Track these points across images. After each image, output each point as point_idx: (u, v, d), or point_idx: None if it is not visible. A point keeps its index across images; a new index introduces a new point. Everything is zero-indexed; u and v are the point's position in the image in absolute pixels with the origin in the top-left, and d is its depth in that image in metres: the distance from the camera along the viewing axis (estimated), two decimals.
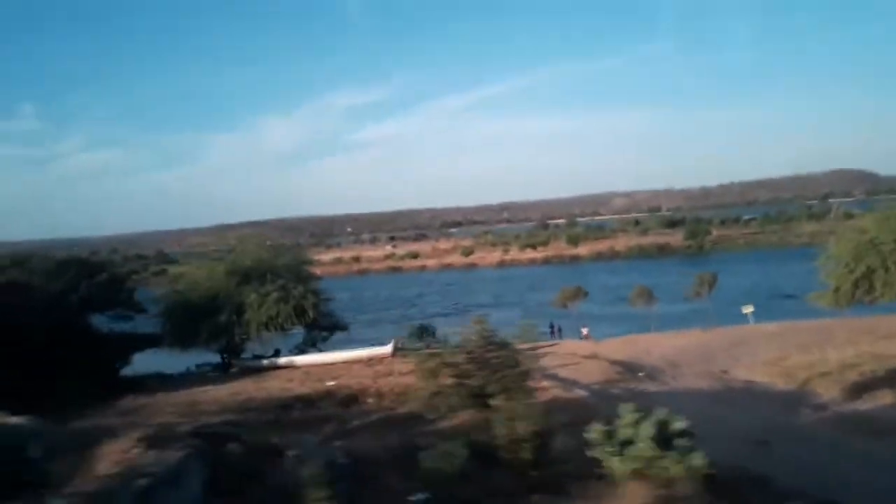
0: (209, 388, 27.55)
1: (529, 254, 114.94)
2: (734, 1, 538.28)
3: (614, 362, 25.75)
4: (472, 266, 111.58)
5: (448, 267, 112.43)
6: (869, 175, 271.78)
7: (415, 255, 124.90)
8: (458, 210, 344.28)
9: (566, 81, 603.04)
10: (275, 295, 30.57)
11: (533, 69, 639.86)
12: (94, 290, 32.25)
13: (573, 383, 21.48)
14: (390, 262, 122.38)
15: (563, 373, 23.63)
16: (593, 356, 28.05)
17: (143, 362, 33.60)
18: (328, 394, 21.89)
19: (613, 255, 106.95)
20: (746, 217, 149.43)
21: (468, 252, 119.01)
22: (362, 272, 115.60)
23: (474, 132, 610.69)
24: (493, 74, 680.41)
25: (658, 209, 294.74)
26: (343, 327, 34.33)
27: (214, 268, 32.79)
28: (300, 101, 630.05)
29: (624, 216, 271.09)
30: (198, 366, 34.34)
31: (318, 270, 41.55)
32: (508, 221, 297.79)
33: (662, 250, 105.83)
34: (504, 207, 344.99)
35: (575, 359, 27.04)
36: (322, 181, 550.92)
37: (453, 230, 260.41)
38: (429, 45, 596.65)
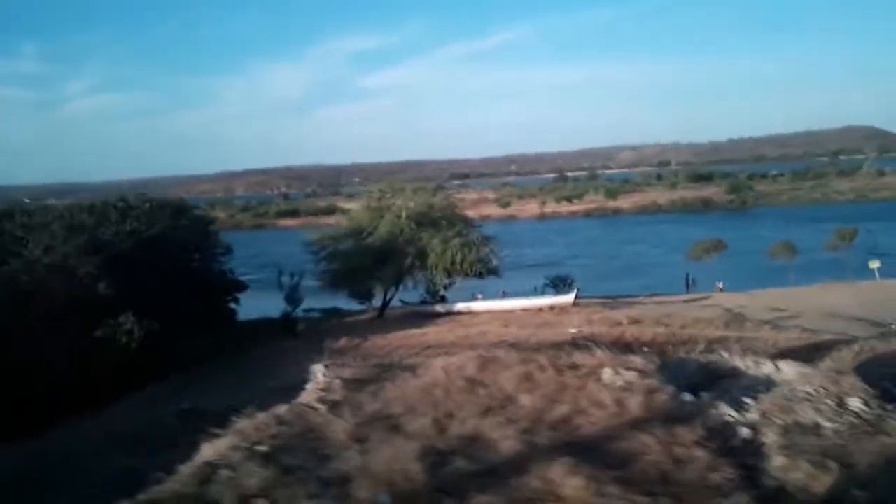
0: (413, 331, 27.57)
1: (568, 206, 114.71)
2: None
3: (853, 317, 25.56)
4: (512, 218, 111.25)
5: (487, 218, 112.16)
6: (879, 132, 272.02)
7: None
8: (463, 162, 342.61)
9: (573, 31, 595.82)
10: (457, 241, 30.55)
11: (538, 18, 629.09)
12: (187, 233, 31.51)
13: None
14: None
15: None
16: (787, 310, 28.02)
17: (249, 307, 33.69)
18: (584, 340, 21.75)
19: (656, 209, 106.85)
20: (774, 173, 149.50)
21: (505, 203, 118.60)
22: None
23: (477, 83, 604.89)
24: (498, 22, 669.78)
25: (667, 163, 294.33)
26: (497, 273, 34.16)
27: (391, 211, 32.48)
28: (307, 46, 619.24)
29: (632, 169, 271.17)
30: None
31: None
32: (517, 174, 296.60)
33: (706, 205, 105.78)
34: (510, 160, 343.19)
35: (775, 312, 27.12)
36: (328, 130, 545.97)
37: (460, 182, 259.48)
38: None
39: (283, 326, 31.34)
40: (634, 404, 5.85)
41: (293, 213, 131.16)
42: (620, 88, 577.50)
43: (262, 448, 5.07)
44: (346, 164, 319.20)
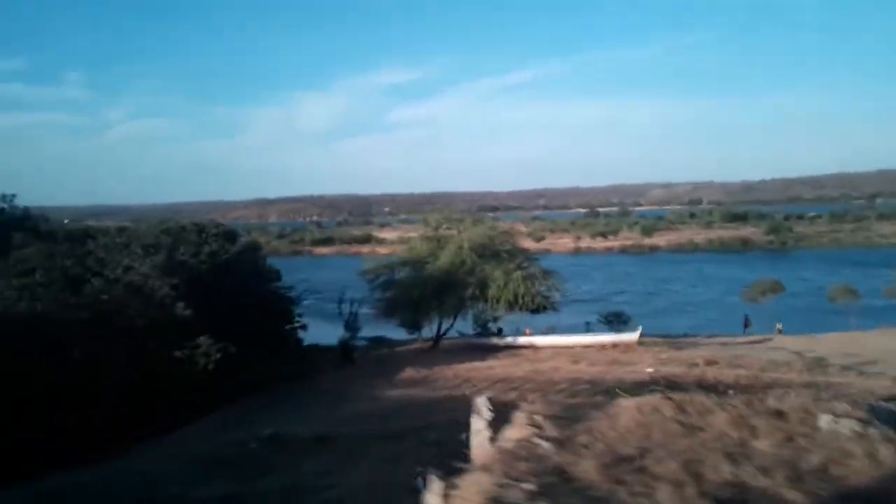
0: (476, 364, 27.43)
1: (602, 242, 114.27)
2: None
3: None
4: (546, 251, 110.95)
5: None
6: None
7: None
8: (492, 195, 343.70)
9: (603, 69, 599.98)
10: (520, 273, 30.50)
11: (569, 56, 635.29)
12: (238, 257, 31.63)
13: None
14: None
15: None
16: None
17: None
18: (667, 381, 21.43)
19: (693, 248, 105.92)
20: (811, 214, 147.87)
21: (539, 237, 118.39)
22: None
23: (508, 117, 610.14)
24: (529, 59, 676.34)
25: (699, 202, 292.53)
26: (555, 308, 33.96)
27: (453, 241, 32.58)
28: (339, 78, 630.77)
29: (664, 207, 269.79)
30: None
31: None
32: (545, 208, 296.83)
33: (745, 245, 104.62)
34: (538, 194, 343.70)
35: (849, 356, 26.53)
36: (358, 160, 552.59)
37: (491, 214, 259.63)
38: (466, 28, 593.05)
39: (342, 354, 31.39)
40: (886, 454, 5.69)
41: (328, 241, 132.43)
42: (652, 125, 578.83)
43: (529, 486, 5.00)
44: (375, 194, 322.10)
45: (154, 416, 21.41)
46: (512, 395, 21.07)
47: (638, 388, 20.93)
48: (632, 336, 29.61)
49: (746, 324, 37.58)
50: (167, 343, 22.29)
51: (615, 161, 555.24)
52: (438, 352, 32.67)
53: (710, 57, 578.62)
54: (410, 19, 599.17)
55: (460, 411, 19.86)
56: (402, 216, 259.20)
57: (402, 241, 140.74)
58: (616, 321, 36.45)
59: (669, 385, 21.09)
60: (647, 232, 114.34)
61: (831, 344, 32.08)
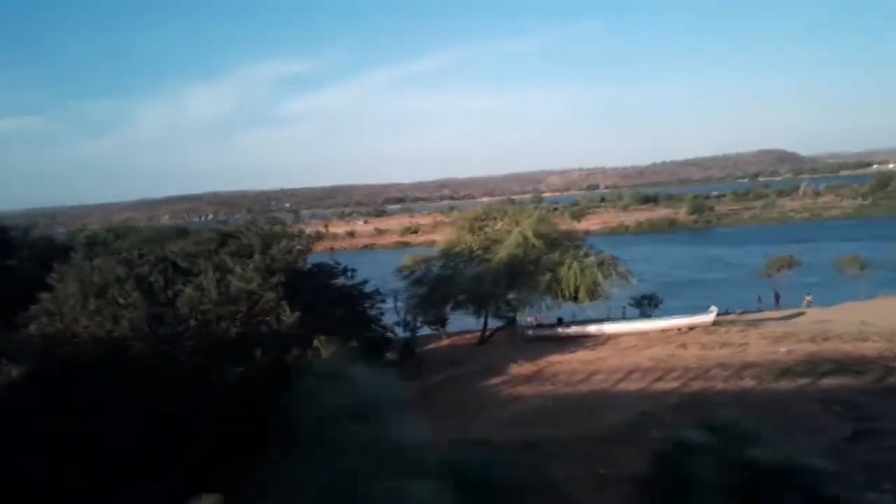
0: (566, 356, 26.48)
1: None
2: None
3: None
4: None
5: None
6: (791, 155, 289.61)
7: (415, 231, 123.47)
8: (394, 186, 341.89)
9: (497, 59, 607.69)
10: (592, 259, 29.74)
11: (461, 46, 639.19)
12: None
13: None
14: (398, 238, 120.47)
15: None
16: None
17: None
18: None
19: (624, 230, 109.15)
20: (715, 193, 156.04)
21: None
22: (370, 247, 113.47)
23: (404, 108, 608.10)
24: (422, 49, 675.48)
25: (596, 187, 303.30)
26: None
27: (517, 231, 31.31)
28: (227, 69, 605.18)
29: (564, 193, 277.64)
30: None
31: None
32: (451, 198, 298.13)
33: (672, 225, 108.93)
34: (441, 185, 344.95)
35: None
36: (253, 155, 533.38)
37: (397, 206, 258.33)
38: (359, 18, 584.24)
39: (403, 352, 29.50)
40: None
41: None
42: (545, 114, 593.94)
43: None
44: (274, 190, 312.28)
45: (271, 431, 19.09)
46: (694, 386, 20.26)
47: (812, 367, 20.82)
48: (707, 317, 29.52)
49: (777, 298, 38.49)
50: (275, 350, 19.88)
51: (511, 150, 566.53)
52: (497, 345, 31.43)
53: (598, 46, 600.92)
54: (301, 8, 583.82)
55: (638, 407, 18.71)
56: (305, 211, 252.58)
57: (378, 231, 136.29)
58: (648, 304, 36.40)
59: (850, 363, 21.09)
60: (577, 217, 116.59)
61: (859, 313, 33.32)
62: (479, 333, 33.40)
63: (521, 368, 25.50)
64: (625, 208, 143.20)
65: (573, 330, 30.23)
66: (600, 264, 29.87)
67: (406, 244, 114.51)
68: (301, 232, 24.28)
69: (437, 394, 23.30)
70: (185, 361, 18.36)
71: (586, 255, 30.27)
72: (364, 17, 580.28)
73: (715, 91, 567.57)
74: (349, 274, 26.59)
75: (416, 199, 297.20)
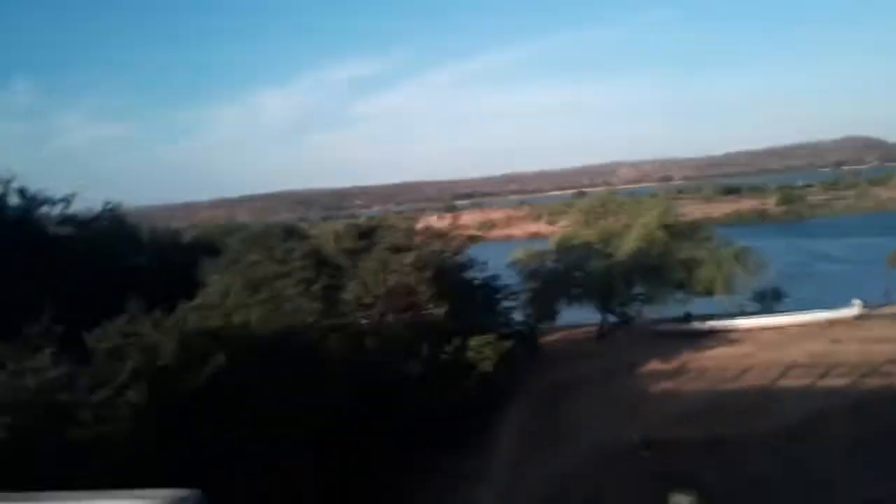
0: (709, 353, 25.72)
1: None
2: None
3: None
4: None
5: (537, 236, 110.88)
6: (877, 142, 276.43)
7: (492, 226, 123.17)
8: (463, 182, 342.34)
9: (568, 51, 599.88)
10: (729, 251, 28.87)
11: (533, 39, 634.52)
12: None
13: None
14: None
15: None
16: None
17: None
18: None
19: (711, 222, 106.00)
20: (801, 183, 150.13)
21: (553, 221, 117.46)
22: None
23: (471, 104, 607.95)
24: (492, 44, 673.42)
25: (669, 178, 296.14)
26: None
27: (641, 223, 30.65)
28: (299, 74, 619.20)
29: (637, 185, 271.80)
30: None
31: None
32: (520, 192, 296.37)
33: (763, 217, 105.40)
34: (509, 179, 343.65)
35: None
36: (325, 154, 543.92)
37: (466, 201, 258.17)
38: (423, 17, 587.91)
39: (532, 347, 29.26)
40: None
41: None
42: (616, 105, 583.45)
43: None
44: (346, 188, 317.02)
45: (436, 425, 19.07)
46: (870, 383, 19.33)
47: None
48: (849, 311, 28.26)
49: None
50: (431, 345, 19.91)
51: (581, 142, 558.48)
52: (619, 341, 30.82)
53: (668, 36, 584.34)
54: (366, 12, 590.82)
55: (811, 404, 17.65)
56: (377, 207, 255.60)
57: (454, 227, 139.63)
58: (770, 298, 35.07)
59: None
60: None
61: None
62: (591, 328, 32.88)
63: (660, 364, 24.95)
64: (707, 200, 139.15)
65: (705, 325, 29.37)
66: (736, 256, 28.94)
67: (481, 239, 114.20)
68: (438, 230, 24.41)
69: (580, 389, 22.98)
70: (360, 351, 18.66)
71: (720, 247, 29.38)
72: (432, 14, 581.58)
73: (793, 78, 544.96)
74: (480, 268, 26.55)
75: (485, 195, 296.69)
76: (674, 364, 24.55)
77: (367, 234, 23.24)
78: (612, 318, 32.25)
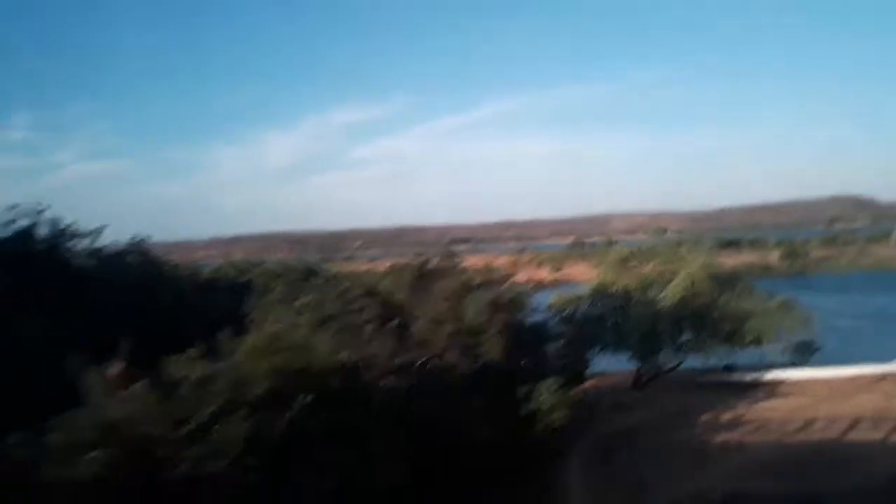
0: (764, 404, 25.31)
1: None
2: (730, 28, 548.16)
3: None
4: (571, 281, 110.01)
5: (540, 283, 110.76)
6: (867, 201, 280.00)
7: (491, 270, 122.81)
8: (459, 227, 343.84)
9: (564, 104, 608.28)
10: (776, 302, 28.67)
11: (530, 91, 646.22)
12: None
13: None
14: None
15: None
16: None
17: None
18: None
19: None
20: (799, 239, 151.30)
21: (557, 268, 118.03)
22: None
23: (470, 151, 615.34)
24: (491, 95, 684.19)
25: (663, 231, 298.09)
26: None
27: (685, 272, 30.48)
28: (300, 117, 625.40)
29: (631, 237, 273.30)
30: None
31: None
32: (517, 239, 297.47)
33: (766, 270, 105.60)
34: (505, 226, 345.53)
35: None
36: (323, 197, 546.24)
37: (462, 246, 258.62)
38: (425, 66, 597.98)
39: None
40: None
41: None
42: (608, 157, 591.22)
43: None
44: (343, 230, 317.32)
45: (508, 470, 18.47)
46: None
47: None
48: None
49: None
50: (500, 390, 19.42)
51: (574, 192, 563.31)
52: (659, 390, 30.32)
53: (663, 92, 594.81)
54: (367, 61, 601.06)
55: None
56: (375, 250, 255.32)
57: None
58: (805, 351, 34.73)
59: None
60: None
61: None
62: (621, 376, 32.41)
63: (714, 416, 24.47)
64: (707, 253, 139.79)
65: (748, 377, 29.04)
66: (783, 308, 28.76)
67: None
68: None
69: (637, 440, 22.45)
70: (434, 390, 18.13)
71: (766, 299, 29.24)
72: (429, 65, 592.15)
73: (786, 135, 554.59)
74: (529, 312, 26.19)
75: (482, 240, 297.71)
76: (729, 415, 24.09)
77: (424, 274, 22.93)
78: (649, 367, 31.79)
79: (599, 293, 32.90)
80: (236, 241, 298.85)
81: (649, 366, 31.64)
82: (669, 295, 29.69)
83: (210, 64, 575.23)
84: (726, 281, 30.78)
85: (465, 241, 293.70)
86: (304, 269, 46.03)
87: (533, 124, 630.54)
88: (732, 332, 28.91)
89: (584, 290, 34.59)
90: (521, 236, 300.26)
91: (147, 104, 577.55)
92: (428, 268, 23.62)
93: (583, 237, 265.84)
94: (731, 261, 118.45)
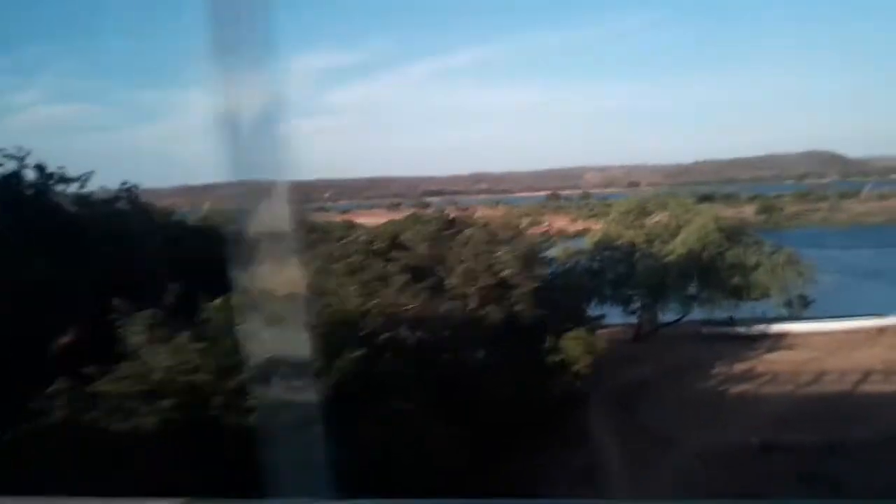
0: (763, 356, 25.69)
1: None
2: None
3: None
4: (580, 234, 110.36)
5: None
6: (838, 157, 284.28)
7: None
8: (430, 179, 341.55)
9: (538, 52, 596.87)
10: (783, 256, 28.92)
11: (503, 38, 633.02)
12: None
13: None
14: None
15: None
16: None
17: None
18: None
19: None
20: (773, 194, 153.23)
21: (537, 221, 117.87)
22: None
23: (442, 101, 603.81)
24: (461, 42, 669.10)
25: (636, 184, 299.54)
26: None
27: (696, 224, 30.47)
28: (275, 61, 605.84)
29: (605, 190, 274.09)
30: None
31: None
32: (488, 192, 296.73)
33: (741, 225, 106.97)
34: (476, 178, 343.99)
35: None
36: (293, 146, 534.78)
37: (435, 199, 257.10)
38: (400, 11, 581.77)
39: None
40: None
41: None
42: (582, 110, 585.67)
43: None
44: (312, 180, 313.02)
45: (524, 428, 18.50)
46: None
47: None
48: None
49: None
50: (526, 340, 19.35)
51: (547, 145, 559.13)
52: (663, 342, 30.64)
53: (639, 43, 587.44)
54: (341, 3, 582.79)
55: None
56: (347, 201, 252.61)
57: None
58: (800, 304, 35.29)
59: None
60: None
61: None
62: (617, 329, 32.66)
63: (725, 367, 24.79)
64: None
65: (753, 329, 29.42)
66: (788, 262, 29.04)
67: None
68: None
69: (652, 391, 22.69)
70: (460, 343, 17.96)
71: (773, 252, 29.46)
72: (406, 11, 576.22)
73: (759, 89, 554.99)
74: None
75: (454, 193, 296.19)
76: (740, 367, 24.40)
77: (447, 226, 22.56)
78: (649, 320, 32.07)
79: (604, 247, 32.90)
80: (205, 189, 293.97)
81: (650, 318, 31.91)
82: (678, 247, 29.75)
83: (178, 5, 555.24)
84: (733, 234, 30.92)
85: (438, 193, 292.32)
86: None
87: (508, 73, 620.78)
88: (739, 286, 29.14)
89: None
90: (493, 189, 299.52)
91: (114, 46, 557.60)
92: (448, 218, 23.23)
93: (560, 189, 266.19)
94: (732, 213, 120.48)
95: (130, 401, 12.68)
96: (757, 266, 28.70)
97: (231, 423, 12.91)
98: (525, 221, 26.58)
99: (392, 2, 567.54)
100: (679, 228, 30.79)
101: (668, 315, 31.39)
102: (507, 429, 16.77)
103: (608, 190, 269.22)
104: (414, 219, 25.18)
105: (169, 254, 24.45)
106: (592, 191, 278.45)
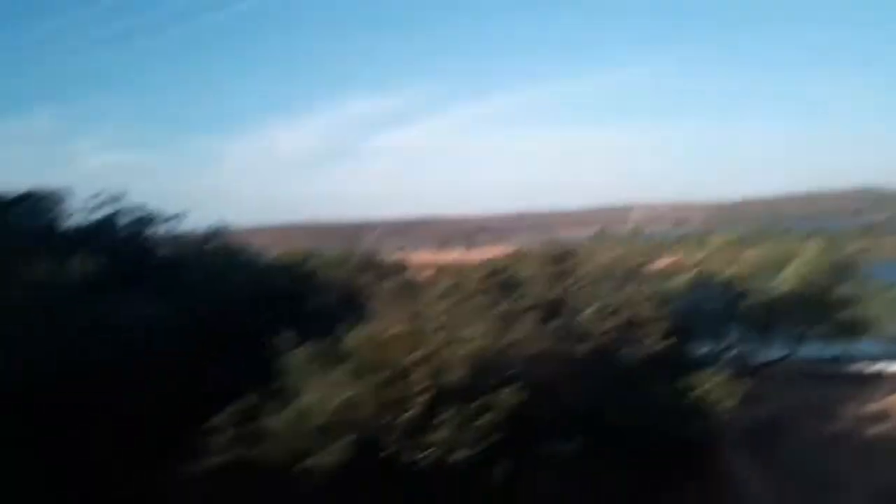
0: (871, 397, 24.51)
1: None
2: (750, 13, 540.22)
3: None
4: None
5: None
6: (888, 193, 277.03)
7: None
8: (475, 218, 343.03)
9: (584, 94, 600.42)
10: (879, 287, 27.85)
11: (551, 82, 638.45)
12: None
13: None
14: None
15: None
16: None
17: None
18: None
19: None
20: (832, 229, 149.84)
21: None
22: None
23: (486, 142, 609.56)
24: (508, 85, 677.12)
25: (684, 221, 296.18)
26: None
27: (810, 259, 29.58)
28: (316, 107, 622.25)
29: (652, 228, 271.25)
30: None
31: None
32: (533, 230, 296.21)
33: None
34: (521, 217, 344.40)
35: None
36: (340, 187, 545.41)
37: (485, 237, 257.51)
38: (440, 55, 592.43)
39: None
40: None
41: None
42: (627, 147, 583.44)
43: None
44: (359, 221, 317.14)
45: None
46: None
47: None
48: None
49: None
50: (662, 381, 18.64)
51: (592, 183, 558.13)
52: (769, 380, 29.37)
53: (684, 80, 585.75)
54: (383, 50, 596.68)
55: None
56: (391, 241, 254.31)
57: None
58: None
59: None
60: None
61: None
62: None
63: (854, 408, 23.68)
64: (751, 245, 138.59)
65: (868, 368, 28.17)
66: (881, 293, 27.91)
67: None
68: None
69: (783, 432, 21.61)
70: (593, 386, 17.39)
71: (886, 288, 28.34)
72: (444, 57, 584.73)
73: (809, 126, 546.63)
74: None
75: (500, 232, 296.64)
76: (869, 407, 23.24)
77: (562, 260, 22.17)
78: (753, 358, 30.90)
79: (703, 282, 32.01)
80: (254, 231, 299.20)
81: (755, 356, 30.80)
82: (785, 282, 28.76)
83: (224, 56, 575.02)
84: (844, 268, 29.84)
85: (484, 230, 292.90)
86: (365, 260, 45.18)
87: (552, 115, 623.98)
88: (850, 322, 28.01)
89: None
90: (537, 226, 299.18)
91: (166, 96, 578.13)
92: (561, 254, 22.82)
93: (606, 227, 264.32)
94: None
95: (300, 439, 12.40)
96: (868, 302, 27.58)
97: (406, 460, 12.56)
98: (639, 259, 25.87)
99: (430, 49, 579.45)
100: (783, 263, 29.84)
101: (772, 352, 30.28)
102: (660, 470, 16.08)
103: (654, 227, 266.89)
104: (523, 255, 24.77)
105: (276, 293, 24.45)
106: (642, 227, 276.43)
